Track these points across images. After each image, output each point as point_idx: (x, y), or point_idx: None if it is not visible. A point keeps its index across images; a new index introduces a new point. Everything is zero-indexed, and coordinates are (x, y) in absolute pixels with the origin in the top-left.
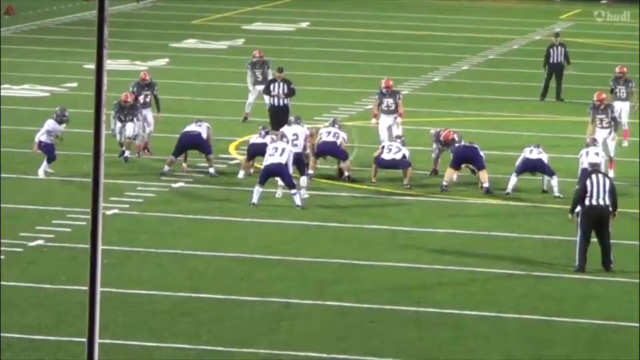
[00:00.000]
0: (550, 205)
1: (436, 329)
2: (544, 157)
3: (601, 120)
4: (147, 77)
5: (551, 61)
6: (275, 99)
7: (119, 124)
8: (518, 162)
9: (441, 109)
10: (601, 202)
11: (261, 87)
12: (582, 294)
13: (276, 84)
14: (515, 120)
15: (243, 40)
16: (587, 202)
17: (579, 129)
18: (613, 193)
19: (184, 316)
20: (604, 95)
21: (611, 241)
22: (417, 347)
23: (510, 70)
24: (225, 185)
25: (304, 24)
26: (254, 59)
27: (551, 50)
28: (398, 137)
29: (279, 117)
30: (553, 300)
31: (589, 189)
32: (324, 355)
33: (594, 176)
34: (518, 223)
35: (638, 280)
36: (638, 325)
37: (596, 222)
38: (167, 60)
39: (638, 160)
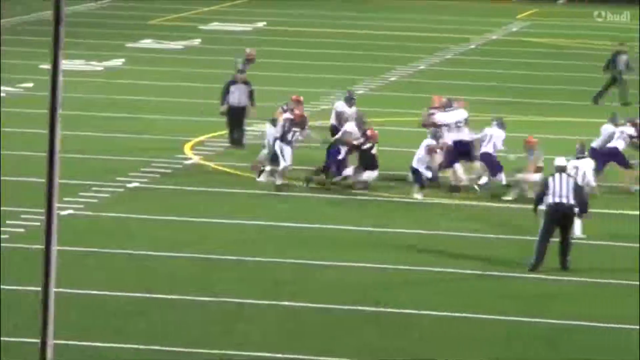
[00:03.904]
0: (519, 205)
1: (396, 329)
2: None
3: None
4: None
5: (617, 68)
6: (235, 99)
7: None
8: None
9: (398, 108)
10: (564, 200)
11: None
12: (543, 293)
13: (236, 85)
14: (472, 120)
15: (199, 40)
16: (550, 200)
17: (545, 128)
18: (579, 193)
19: (139, 317)
20: None
21: (572, 241)
22: (376, 347)
23: (468, 70)
24: (181, 185)
25: (261, 24)
26: (248, 58)
27: (617, 58)
28: None
29: (236, 117)
30: (516, 300)
31: (551, 186)
32: (279, 355)
33: (557, 175)
34: (482, 223)
35: (606, 281)
36: (601, 325)
37: (560, 220)
38: (123, 60)
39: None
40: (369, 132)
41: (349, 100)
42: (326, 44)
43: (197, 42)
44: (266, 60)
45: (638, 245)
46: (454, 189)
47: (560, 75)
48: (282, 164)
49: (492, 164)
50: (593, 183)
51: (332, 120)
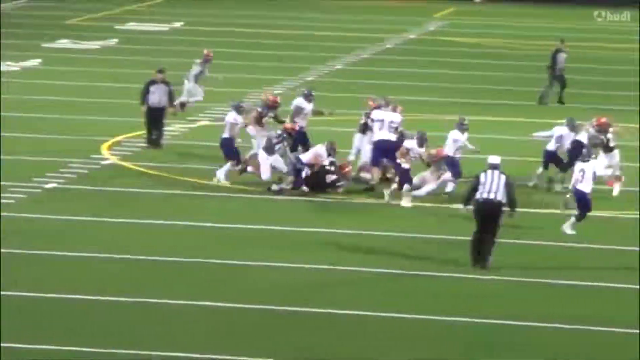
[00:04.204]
0: (445, 205)
1: (325, 329)
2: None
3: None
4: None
5: (558, 67)
6: (155, 100)
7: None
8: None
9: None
10: (491, 196)
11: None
12: (474, 292)
13: (156, 86)
14: None
15: (116, 40)
16: (478, 196)
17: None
18: (508, 190)
19: (59, 318)
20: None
21: (496, 240)
22: (302, 347)
23: (385, 70)
24: (98, 185)
25: (178, 24)
26: (206, 58)
27: (557, 56)
28: None
29: (156, 118)
30: (447, 299)
31: (481, 182)
32: (201, 355)
33: (489, 171)
34: (411, 222)
35: (533, 280)
36: (532, 324)
37: (486, 215)
38: (39, 60)
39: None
40: (345, 167)
41: (308, 97)
42: (244, 44)
43: (113, 42)
44: (183, 60)
45: (564, 244)
46: (370, 188)
47: (483, 74)
48: (264, 175)
49: (453, 167)
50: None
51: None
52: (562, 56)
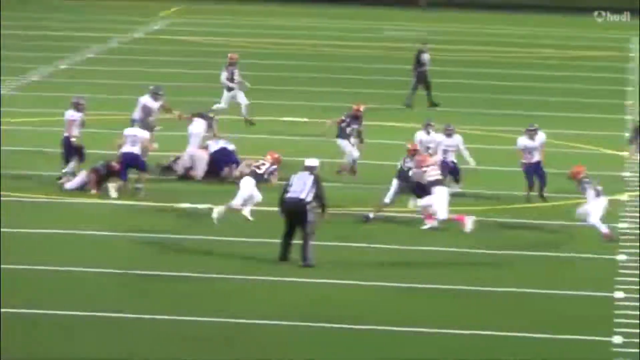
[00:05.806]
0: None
1: (114, 332)
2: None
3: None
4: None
5: (421, 69)
6: None
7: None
8: None
9: (40, 108)
10: (294, 195)
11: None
12: (227, 291)
13: None
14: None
15: None
16: (285, 196)
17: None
18: (317, 191)
19: None
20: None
21: (310, 238)
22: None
23: (110, 69)
24: None
25: None
26: (232, 61)
27: (421, 57)
28: None
29: None
30: (195, 299)
31: (290, 183)
32: None
33: (299, 173)
34: (152, 222)
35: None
36: (271, 322)
37: (290, 214)
38: None
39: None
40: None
41: (155, 95)
42: None
43: None
44: None
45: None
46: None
47: (211, 72)
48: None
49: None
50: None
51: (135, 115)
52: (425, 57)
